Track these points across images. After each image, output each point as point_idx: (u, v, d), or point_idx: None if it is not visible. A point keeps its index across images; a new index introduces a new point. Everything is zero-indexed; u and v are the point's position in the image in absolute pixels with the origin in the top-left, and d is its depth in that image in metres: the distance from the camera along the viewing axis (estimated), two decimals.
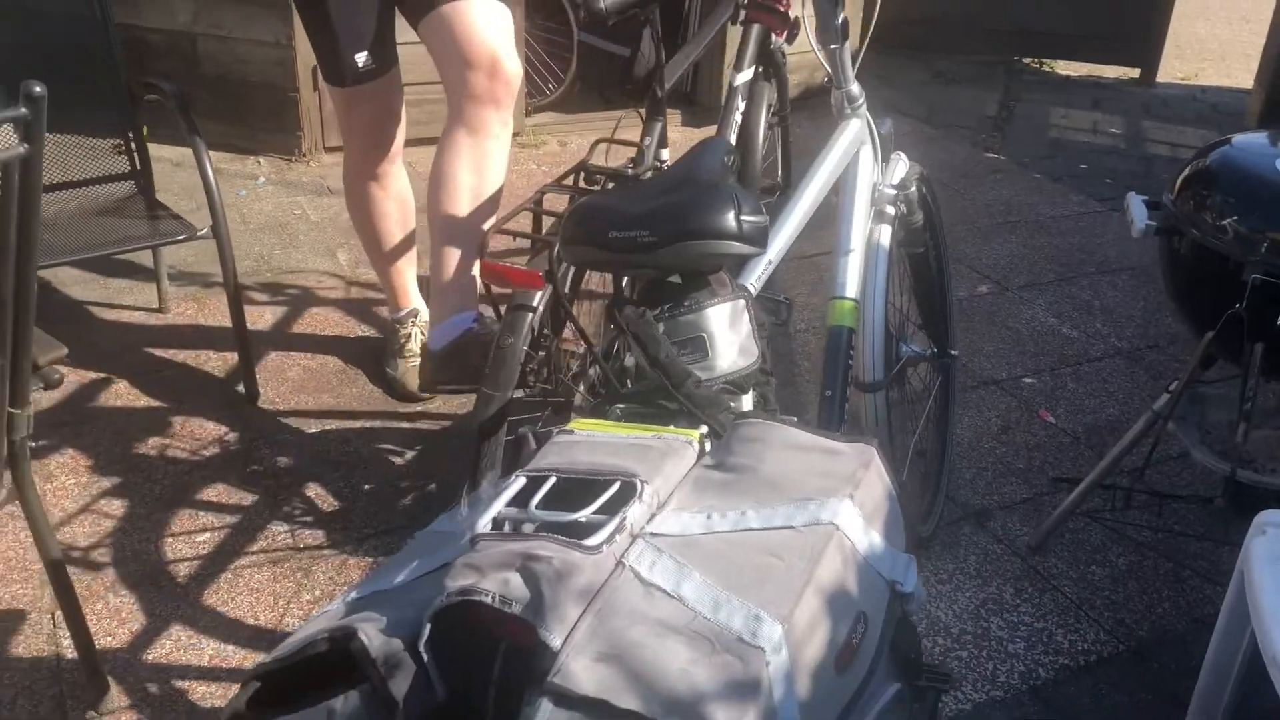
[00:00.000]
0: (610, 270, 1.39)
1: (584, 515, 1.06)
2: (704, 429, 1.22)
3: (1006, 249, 3.75)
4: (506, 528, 1.09)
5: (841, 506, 1.05)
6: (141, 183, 2.88)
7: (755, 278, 1.54)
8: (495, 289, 1.89)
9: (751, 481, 1.10)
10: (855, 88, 1.85)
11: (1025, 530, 2.39)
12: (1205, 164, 2.01)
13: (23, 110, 1.36)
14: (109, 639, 2.02)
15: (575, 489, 1.12)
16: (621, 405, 1.28)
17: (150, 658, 1.98)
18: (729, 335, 1.27)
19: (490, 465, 1.91)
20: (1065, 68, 5.90)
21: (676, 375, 1.23)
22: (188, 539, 2.28)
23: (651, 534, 1.05)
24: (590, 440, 1.19)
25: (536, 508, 1.08)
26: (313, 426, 2.65)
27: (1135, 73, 5.74)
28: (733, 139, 2.73)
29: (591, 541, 1.01)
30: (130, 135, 2.87)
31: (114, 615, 2.07)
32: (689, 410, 1.23)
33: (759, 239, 1.27)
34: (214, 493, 2.42)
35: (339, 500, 2.41)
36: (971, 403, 2.84)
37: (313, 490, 2.43)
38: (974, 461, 2.62)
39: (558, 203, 1.94)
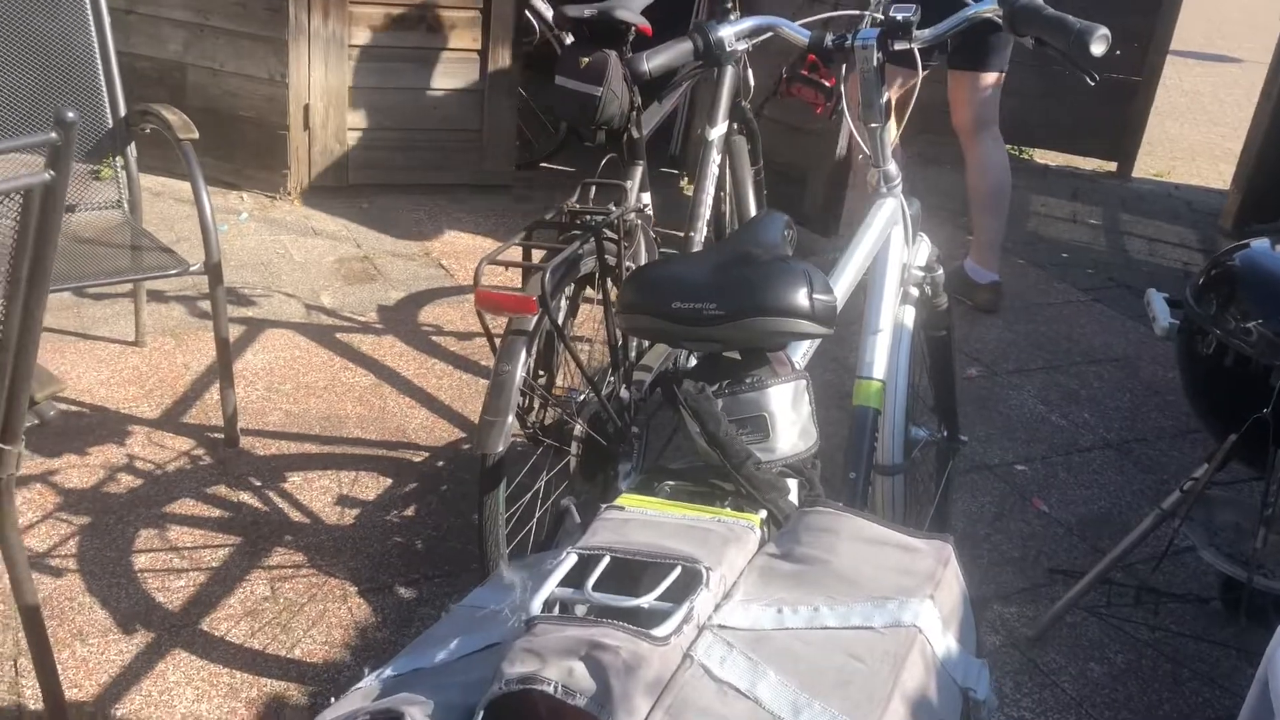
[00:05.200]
0: (668, 341, 1.34)
1: (646, 601, 1.00)
2: (763, 514, 1.16)
3: (993, 333, 3.76)
4: (558, 609, 1.03)
5: (923, 608, 1.00)
6: (129, 211, 2.79)
7: (801, 354, 1.50)
8: (490, 317, 1.86)
9: (823, 575, 1.04)
10: (893, 167, 1.83)
11: (1023, 621, 2.35)
12: (1229, 265, 2.01)
13: (53, 135, 1.29)
14: (75, 690, 1.90)
15: (631, 571, 1.06)
16: (671, 482, 1.22)
17: (119, 713, 1.87)
18: (790, 416, 1.22)
19: (493, 526, 1.85)
20: (1043, 156, 6.00)
21: (736, 455, 1.17)
22: (161, 587, 2.17)
23: (719, 626, 0.99)
24: (643, 519, 1.12)
25: (593, 589, 1.02)
26: (295, 475, 2.56)
27: (1112, 166, 5.84)
28: (711, 192, 2.73)
29: (659, 632, 0.95)
30: (121, 162, 2.79)
31: (81, 665, 1.96)
32: (748, 492, 1.17)
33: (829, 319, 1.22)
34: (190, 539, 2.31)
35: (320, 554, 2.31)
36: (965, 487, 2.81)
37: (292, 541, 2.34)
38: (969, 549, 2.58)
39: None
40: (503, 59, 4.19)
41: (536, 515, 2.06)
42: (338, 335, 3.23)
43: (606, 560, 1.06)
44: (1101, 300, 4.15)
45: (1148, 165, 6.13)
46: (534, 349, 1.86)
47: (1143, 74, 5.61)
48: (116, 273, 2.60)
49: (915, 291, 1.93)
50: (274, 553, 2.30)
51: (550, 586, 1.03)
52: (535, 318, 1.82)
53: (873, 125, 1.76)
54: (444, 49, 4.14)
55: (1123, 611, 2.38)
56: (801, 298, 1.19)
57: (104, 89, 2.76)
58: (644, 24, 2.21)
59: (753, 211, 2.80)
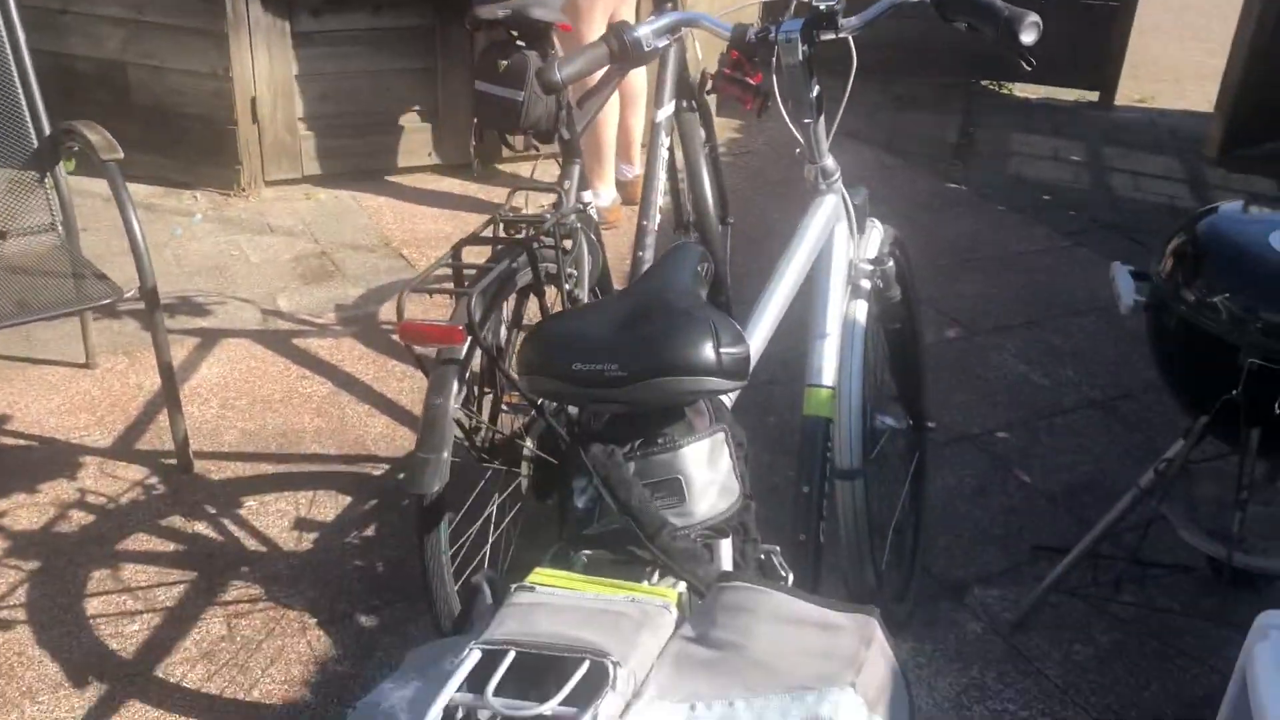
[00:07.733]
0: (573, 404, 1.25)
1: (549, 709, 0.93)
2: (682, 587, 1.09)
3: (973, 288, 3.66)
4: (460, 715, 0.96)
5: (843, 698, 0.92)
6: (64, 235, 2.69)
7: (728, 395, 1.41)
8: (418, 349, 1.78)
9: (739, 662, 0.97)
10: (830, 161, 1.73)
11: (1005, 605, 2.28)
12: (1194, 235, 1.91)
13: None
14: None
15: (537, 665, 0.98)
16: (588, 553, 1.15)
17: None
18: (708, 475, 1.14)
19: (436, 569, 1.78)
20: (1024, 90, 5.85)
21: (650, 524, 1.09)
22: (115, 634, 2.10)
23: None
24: (553, 602, 1.05)
25: (494, 694, 0.95)
26: (251, 499, 2.49)
27: (1094, 95, 5.70)
28: (663, 177, 2.64)
29: None
30: (49, 181, 2.68)
31: None
32: (664, 564, 1.10)
33: (740, 372, 1.14)
34: (143, 577, 2.25)
35: (277, 584, 2.25)
36: (944, 460, 2.74)
37: (249, 573, 2.27)
38: (949, 527, 2.51)
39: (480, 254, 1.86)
40: (455, 34, 4.05)
41: (490, 541, 1.99)
42: (295, 341, 3.14)
43: (511, 655, 0.99)
44: (1084, 244, 4.05)
45: (1130, 90, 5.98)
46: (467, 377, 1.78)
47: None
48: (57, 306, 2.48)
49: (866, 284, 1.84)
50: (230, 587, 2.24)
51: (449, 692, 0.96)
52: (465, 345, 1.73)
53: (805, 121, 1.65)
54: (392, 28, 4.00)
55: (1107, 589, 2.31)
56: (707, 353, 1.11)
57: (25, 107, 2.65)
58: (563, 20, 2.10)
59: (709, 192, 2.70)
